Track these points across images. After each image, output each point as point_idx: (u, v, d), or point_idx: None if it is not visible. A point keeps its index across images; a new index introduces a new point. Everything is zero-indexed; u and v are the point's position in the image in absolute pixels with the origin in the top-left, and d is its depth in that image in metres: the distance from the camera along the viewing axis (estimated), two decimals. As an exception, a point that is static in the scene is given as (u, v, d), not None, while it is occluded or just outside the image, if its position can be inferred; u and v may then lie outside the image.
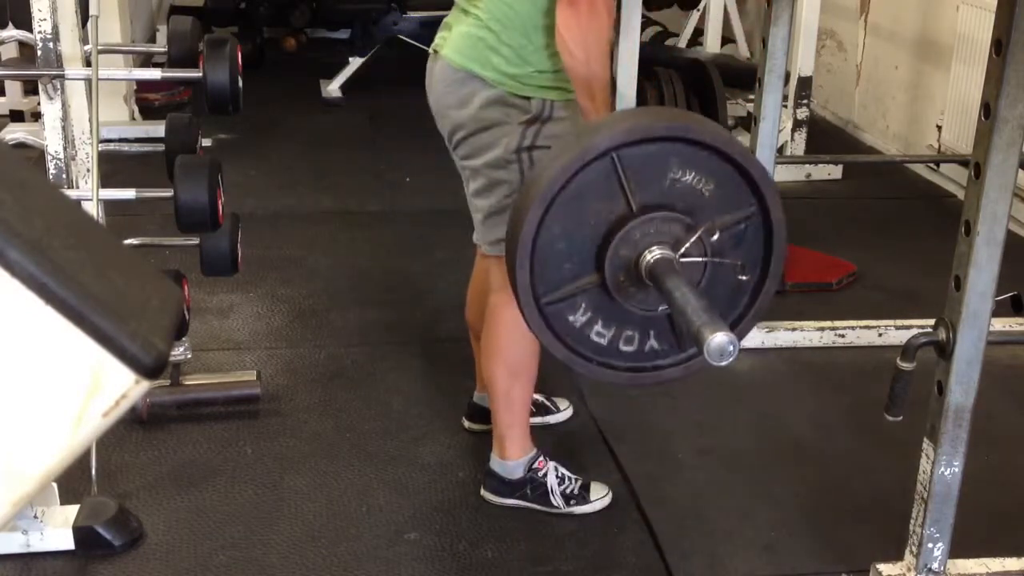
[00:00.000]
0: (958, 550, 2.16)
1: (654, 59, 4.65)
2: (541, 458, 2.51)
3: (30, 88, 4.94)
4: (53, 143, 2.84)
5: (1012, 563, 2.25)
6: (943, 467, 2.05)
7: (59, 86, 2.83)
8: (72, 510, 2.35)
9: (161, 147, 2.99)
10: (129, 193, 2.86)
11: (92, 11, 3.17)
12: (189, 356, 2.86)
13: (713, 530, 2.48)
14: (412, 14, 6.10)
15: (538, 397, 2.80)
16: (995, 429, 2.82)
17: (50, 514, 2.33)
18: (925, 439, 2.08)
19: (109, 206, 3.01)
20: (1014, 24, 1.79)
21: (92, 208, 2.66)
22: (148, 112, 5.40)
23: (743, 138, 4.08)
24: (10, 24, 3.87)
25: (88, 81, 2.89)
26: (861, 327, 3.34)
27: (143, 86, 5.47)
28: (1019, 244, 3.74)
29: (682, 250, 1.69)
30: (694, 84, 4.54)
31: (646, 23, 5.82)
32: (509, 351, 2.39)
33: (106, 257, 0.87)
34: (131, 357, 0.78)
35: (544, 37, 2.15)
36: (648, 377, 1.83)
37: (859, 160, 5.16)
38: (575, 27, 2.07)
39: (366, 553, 2.36)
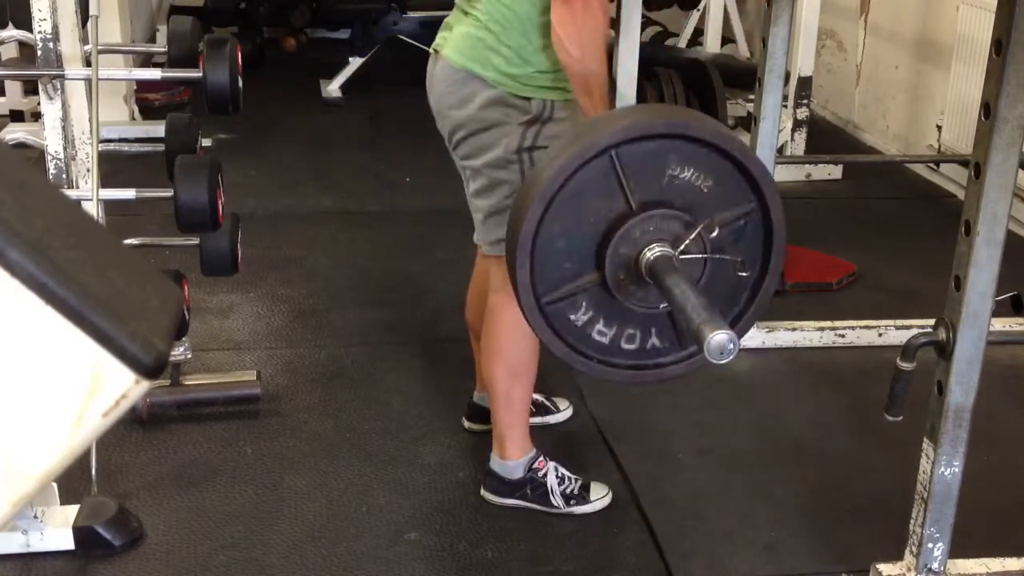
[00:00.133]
0: (958, 550, 2.16)
1: (654, 59, 4.65)
2: (541, 458, 2.51)
3: (30, 88, 4.94)
4: (53, 143, 2.84)
5: (1012, 563, 2.25)
6: (943, 467, 2.05)
7: (59, 86, 2.83)
8: (72, 510, 2.35)
9: (161, 147, 2.99)
10: (129, 193, 2.86)
11: (92, 11, 3.17)
12: (189, 356, 2.86)
13: (713, 530, 2.48)
14: (412, 14, 6.10)
15: (538, 397, 2.80)
16: (995, 429, 2.82)
17: (50, 514, 2.33)
18: (925, 439, 2.08)
19: (109, 206, 3.02)
20: (1014, 24, 1.79)
21: (92, 208, 2.66)
22: (148, 112, 5.40)
23: (743, 138, 4.08)
24: (10, 24, 3.87)
25: (88, 81, 2.89)
26: (861, 327, 3.34)
27: (143, 86, 5.47)
28: (1019, 244, 3.74)
29: (682, 247, 1.69)
30: (694, 84, 4.55)
31: (646, 23, 5.82)
32: (509, 351, 2.39)
33: (106, 257, 0.87)
34: (131, 357, 0.78)
35: (543, 37, 2.15)
36: (650, 375, 1.83)
37: (859, 160, 5.16)
38: (570, 24, 2.07)
39: (366, 553, 2.36)
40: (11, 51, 4.51)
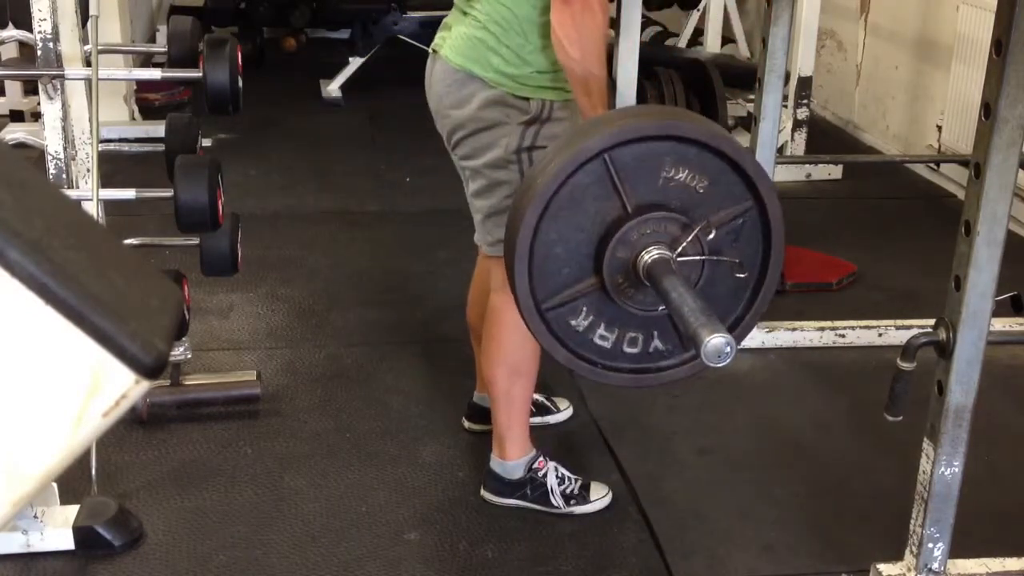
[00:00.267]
0: (958, 550, 2.16)
1: (654, 59, 4.65)
2: (541, 458, 2.51)
3: (30, 88, 4.94)
4: (53, 143, 2.84)
5: (1012, 563, 2.25)
6: (943, 467, 2.05)
7: (59, 86, 2.83)
8: (72, 510, 2.35)
9: (161, 147, 2.99)
10: (129, 193, 2.86)
11: (92, 11, 3.17)
12: (189, 356, 2.86)
13: (713, 530, 2.48)
14: (412, 14, 6.10)
15: (538, 397, 2.80)
16: (995, 429, 2.82)
17: (50, 514, 2.33)
18: (925, 439, 2.08)
19: (109, 206, 3.02)
20: (1014, 24, 1.79)
21: (92, 208, 2.66)
22: (148, 112, 5.40)
23: (743, 138, 4.08)
24: (10, 24, 3.87)
25: (88, 81, 2.89)
26: (861, 327, 3.34)
27: (143, 86, 5.47)
28: (1019, 244, 3.74)
29: (679, 249, 1.68)
30: (694, 84, 4.54)
31: (646, 23, 5.82)
32: (511, 352, 2.39)
33: (106, 257, 0.87)
34: (131, 357, 0.78)
35: (542, 37, 2.15)
36: (653, 378, 1.83)
37: (859, 160, 5.16)
38: (570, 25, 2.06)
39: (366, 553, 2.36)
40: (11, 51, 4.52)
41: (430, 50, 2.33)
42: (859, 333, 3.33)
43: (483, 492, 2.54)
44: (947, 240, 2.06)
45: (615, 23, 3.07)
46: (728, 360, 1.51)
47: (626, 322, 1.76)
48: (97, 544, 2.31)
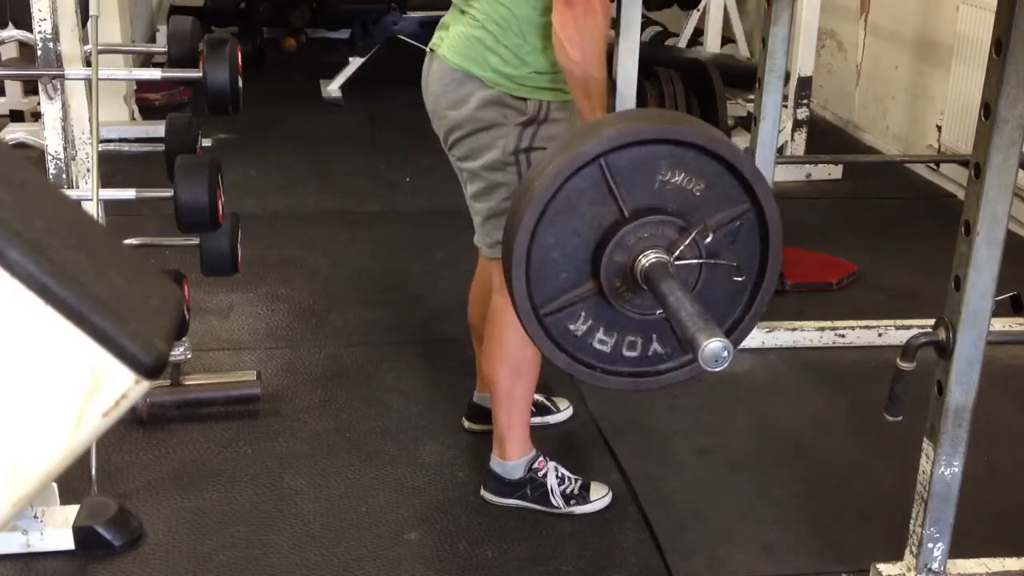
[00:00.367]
0: (958, 550, 2.16)
1: (654, 59, 4.65)
2: (541, 458, 2.51)
3: (30, 88, 4.94)
4: (53, 143, 2.84)
5: (1012, 563, 2.25)
6: (943, 467, 2.05)
7: (59, 86, 2.83)
8: (72, 510, 2.35)
9: (161, 147, 2.99)
10: (129, 193, 2.86)
11: (92, 11, 3.17)
12: (189, 356, 2.86)
13: (713, 530, 2.48)
14: (412, 14, 6.10)
15: (538, 397, 2.79)
16: (995, 429, 2.82)
17: (50, 514, 2.33)
18: (925, 439, 2.08)
19: (109, 206, 3.02)
20: (1014, 24, 1.79)
21: (92, 208, 2.66)
22: (148, 112, 5.40)
23: (743, 138, 4.09)
24: (10, 24, 3.87)
25: (88, 81, 2.89)
26: (861, 327, 3.34)
27: (143, 86, 5.47)
28: (1019, 244, 3.74)
29: (676, 253, 1.68)
30: (694, 84, 4.54)
31: (646, 23, 5.82)
32: (513, 352, 2.38)
33: (106, 257, 0.87)
34: (131, 357, 0.78)
35: (541, 38, 2.14)
36: (652, 382, 1.82)
37: (859, 160, 5.16)
38: (572, 26, 2.06)
39: (366, 553, 2.36)
40: (11, 51, 4.52)
41: (428, 49, 2.33)
42: (859, 333, 3.33)
43: (483, 492, 2.54)
44: (947, 240, 2.06)
45: (615, 23, 3.07)
46: (726, 365, 1.51)
47: (625, 326, 1.75)
48: (97, 544, 2.31)
